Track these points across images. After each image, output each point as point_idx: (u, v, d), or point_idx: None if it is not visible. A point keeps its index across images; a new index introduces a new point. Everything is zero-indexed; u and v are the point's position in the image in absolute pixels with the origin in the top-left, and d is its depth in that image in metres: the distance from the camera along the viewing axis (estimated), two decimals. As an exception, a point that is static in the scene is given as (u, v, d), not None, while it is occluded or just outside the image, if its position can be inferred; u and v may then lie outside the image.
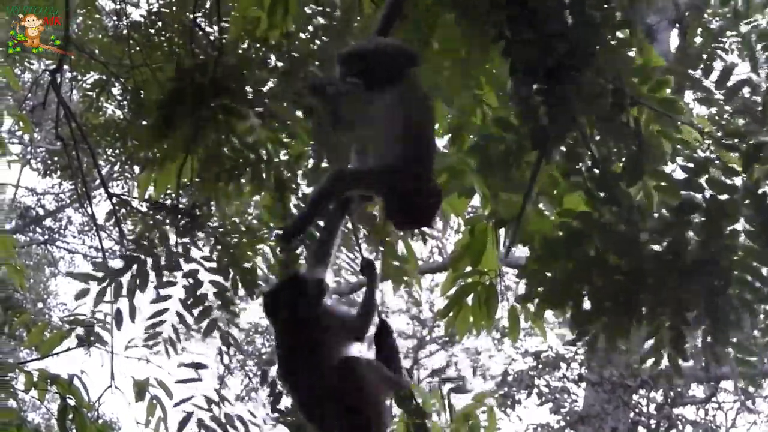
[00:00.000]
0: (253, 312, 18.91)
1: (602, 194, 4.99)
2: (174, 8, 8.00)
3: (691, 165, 4.99)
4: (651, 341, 5.09)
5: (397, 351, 4.50)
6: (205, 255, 6.45)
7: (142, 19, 8.08)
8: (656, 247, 4.95)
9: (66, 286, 23.94)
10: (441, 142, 6.11)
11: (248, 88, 6.40)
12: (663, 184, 5.09)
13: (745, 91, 5.31)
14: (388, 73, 4.36)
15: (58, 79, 7.19)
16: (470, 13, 5.16)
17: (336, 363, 4.09)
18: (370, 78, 4.35)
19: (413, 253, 6.64)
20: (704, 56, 8.81)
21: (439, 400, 6.61)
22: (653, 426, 18.07)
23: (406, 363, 18.93)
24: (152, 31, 6.84)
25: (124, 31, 8.13)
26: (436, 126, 5.52)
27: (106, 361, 6.36)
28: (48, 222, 21.22)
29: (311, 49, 6.71)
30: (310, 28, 6.85)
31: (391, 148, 4.14)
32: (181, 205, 6.59)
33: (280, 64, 6.61)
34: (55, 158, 14.02)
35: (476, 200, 6.01)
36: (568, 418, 18.71)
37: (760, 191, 4.94)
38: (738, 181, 5.00)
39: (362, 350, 4.33)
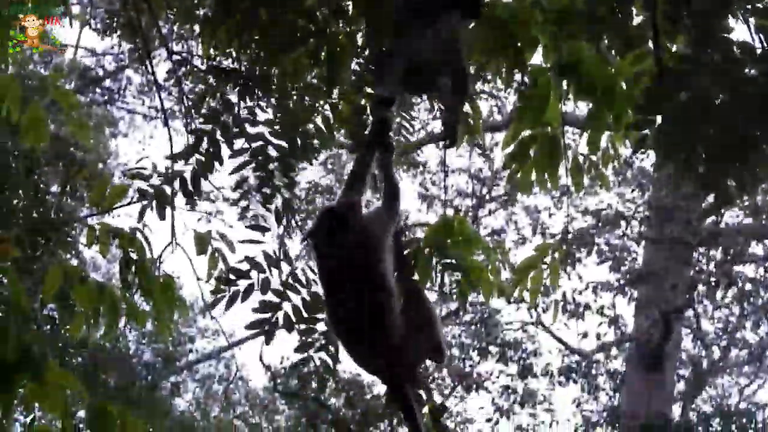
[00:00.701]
0: (312, 172, 18.96)
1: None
2: None
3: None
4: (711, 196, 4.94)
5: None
6: (268, 118, 6.43)
7: None
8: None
9: (126, 147, 24.10)
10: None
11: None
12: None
13: None
14: None
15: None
16: None
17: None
18: None
19: (478, 108, 6.53)
20: None
21: (501, 255, 6.58)
22: (713, 283, 18.03)
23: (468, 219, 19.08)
24: None
25: None
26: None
27: (167, 219, 6.36)
28: (108, 82, 21.25)
29: None
30: None
31: None
32: (242, 67, 6.54)
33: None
34: (115, 17, 13.95)
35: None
36: (628, 276, 18.72)
37: None
38: None
39: None
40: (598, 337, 19.69)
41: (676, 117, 4.77)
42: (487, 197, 20.63)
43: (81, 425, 7.23)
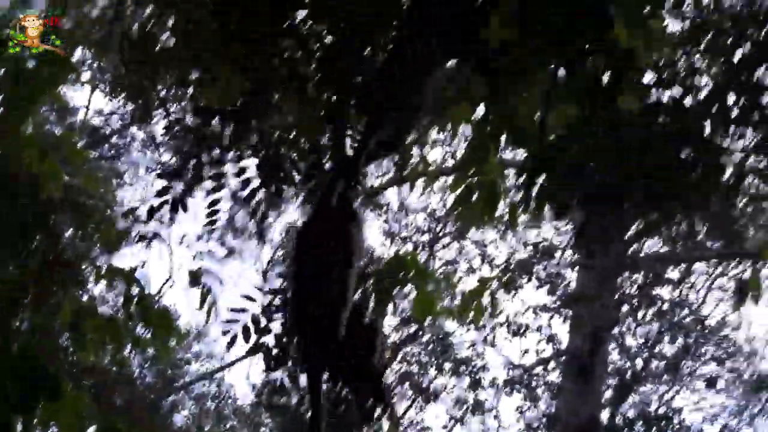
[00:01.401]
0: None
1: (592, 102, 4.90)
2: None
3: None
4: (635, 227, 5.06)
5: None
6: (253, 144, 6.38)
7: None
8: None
9: (130, 196, 24.07)
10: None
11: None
12: (637, 86, 4.99)
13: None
14: None
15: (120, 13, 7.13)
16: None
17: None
18: None
19: (428, 157, 6.60)
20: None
21: (451, 286, 6.65)
22: (636, 304, 18.19)
23: (423, 255, 19.01)
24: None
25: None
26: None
27: (166, 256, 6.39)
28: (114, 139, 21.21)
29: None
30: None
31: None
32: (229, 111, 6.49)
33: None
34: (120, 82, 13.93)
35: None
36: (562, 299, 18.82)
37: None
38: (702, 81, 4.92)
39: None
40: (538, 352, 19.83)
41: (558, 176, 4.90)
42: (441, 233, 20.67)
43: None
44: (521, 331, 19.07)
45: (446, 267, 19.83)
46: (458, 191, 6.09)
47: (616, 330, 18.74)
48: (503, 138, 5.80)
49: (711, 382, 20.52)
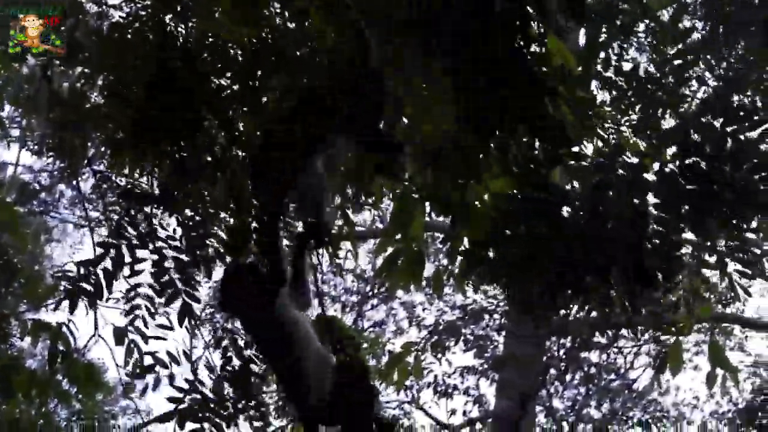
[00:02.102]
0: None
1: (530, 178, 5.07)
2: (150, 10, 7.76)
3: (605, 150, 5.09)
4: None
5: None
6: (170, 234, 6.54)
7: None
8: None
9: (58, 252, 23.86)
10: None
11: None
12: (581, 165, 5.19)
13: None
14: None
15: (50, 72, 7.19)
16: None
17: None
18: None
19: (352, 220, 6.70)
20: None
21: (379, 347, 6.76)
22: (563, 367, 18.39)
23: (350, 316, 19.08)
24: (129, 31, 6.67)
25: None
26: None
27: (91, 313, 6.43)
28: (43, 195, 21.09)
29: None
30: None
31: None
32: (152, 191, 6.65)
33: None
34: (48, 140, 13.88)
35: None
36: (490, 361, 18.99)
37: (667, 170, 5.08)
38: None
39: None
40: (465, 413, 19.92)
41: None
42: (370, 294, 20.77)
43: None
44: (449, 392, 19.17)
45: (374, 328, 19.93)
46: (384, 255, 6.24)
47: (542, 393, 18.92)
48: (427, 204, 5.97)
49: (637, 446, 20.72)
